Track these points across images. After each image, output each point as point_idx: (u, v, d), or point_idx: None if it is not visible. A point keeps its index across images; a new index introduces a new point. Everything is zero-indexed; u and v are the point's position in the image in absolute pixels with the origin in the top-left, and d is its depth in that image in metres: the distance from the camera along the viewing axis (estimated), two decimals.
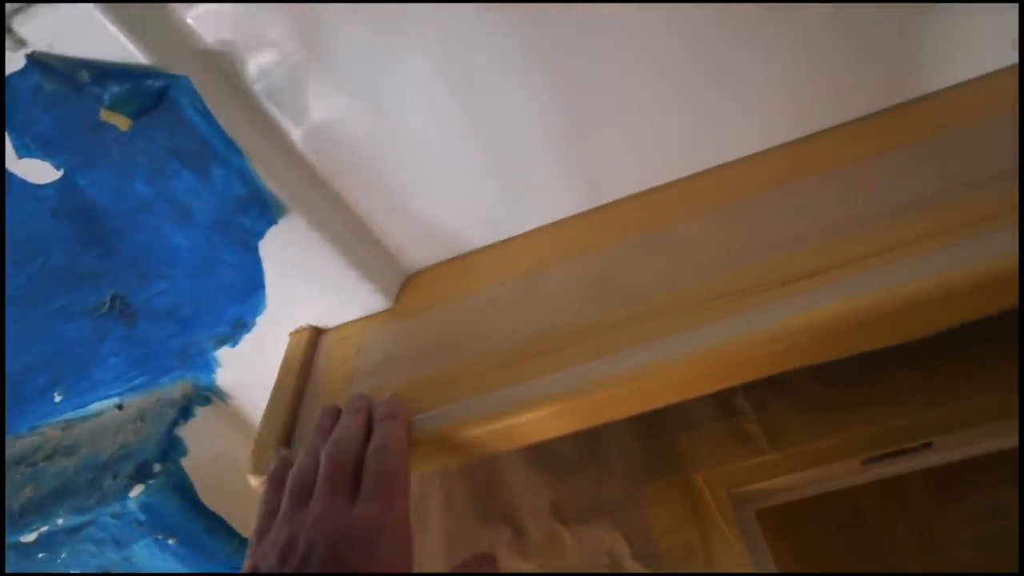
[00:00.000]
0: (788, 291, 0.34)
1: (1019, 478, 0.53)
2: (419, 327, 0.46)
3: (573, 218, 0.47)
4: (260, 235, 0.42)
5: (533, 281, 0.44)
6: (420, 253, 0.50)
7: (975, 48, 0.40)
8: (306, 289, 0.46)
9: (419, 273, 0.50)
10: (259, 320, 0.47)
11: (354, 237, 0.46)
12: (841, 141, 0.42)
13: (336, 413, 0.38)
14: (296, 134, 0.41)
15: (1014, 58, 0.40)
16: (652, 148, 0.44)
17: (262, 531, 0.32)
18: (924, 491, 0.56)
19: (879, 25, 0.38)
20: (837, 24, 0.38)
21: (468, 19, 0.36)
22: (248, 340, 0.49)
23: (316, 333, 0.49)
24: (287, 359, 0.47)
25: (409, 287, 0.50)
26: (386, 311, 0.48)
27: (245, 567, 0.31)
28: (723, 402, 0.45)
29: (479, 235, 0.49)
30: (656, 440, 0.45)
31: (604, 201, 0.47)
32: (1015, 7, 0.37)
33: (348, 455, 0.33)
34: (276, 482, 0.35)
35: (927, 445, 0.41)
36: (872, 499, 0.57)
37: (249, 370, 0.50)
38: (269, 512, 0.33)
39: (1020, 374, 0.39)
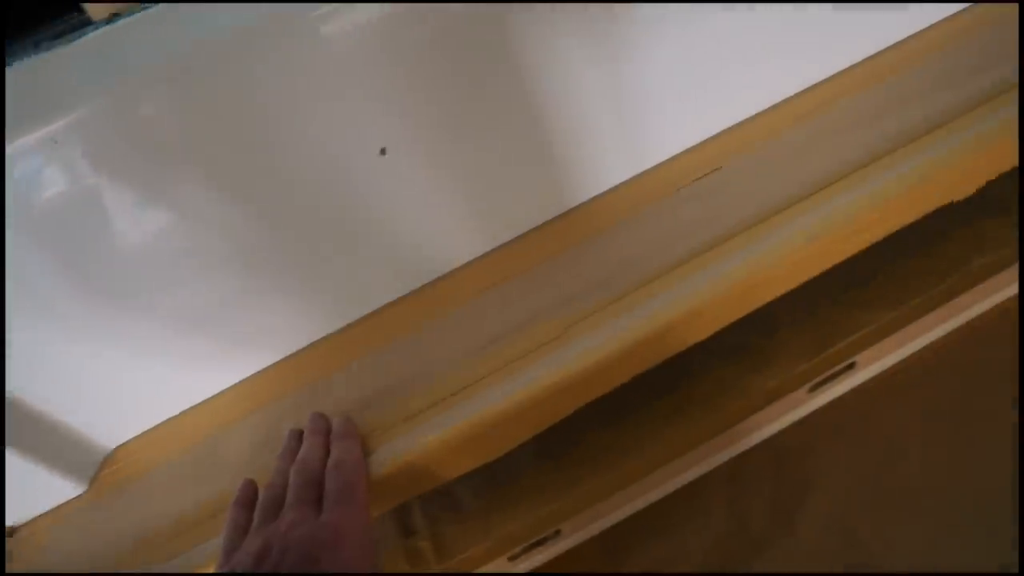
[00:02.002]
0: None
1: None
2: (112, 505, 0.47)
3: (255, 375, 0.52)
4: None
5: (209, 447, 0.48)
6: (114, 429, 0.51)
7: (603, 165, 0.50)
8: None
9: (120, 447, 0.52)
10: None
11: (33, 431, 0.47)
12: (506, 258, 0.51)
13: (299, 435, 0.43)
14: None
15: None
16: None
17: (232, 546, 0.36)
18: (595, 558, 0.62)
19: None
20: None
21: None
22: None
23: (8, 533, 0.49)
24: None
25: (109, 464, 0.51)
26: (80, 495, 0.49)
27: None
28: (404, 522, 0.50)
29: (171, 403, 0.52)
30: None
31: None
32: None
33: (313, 473, 0.38)
34: (242, 503, 0.39)
35: (557, 532, 0.49)
36: None
37: None
38: (238, 528, 0.37)
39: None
